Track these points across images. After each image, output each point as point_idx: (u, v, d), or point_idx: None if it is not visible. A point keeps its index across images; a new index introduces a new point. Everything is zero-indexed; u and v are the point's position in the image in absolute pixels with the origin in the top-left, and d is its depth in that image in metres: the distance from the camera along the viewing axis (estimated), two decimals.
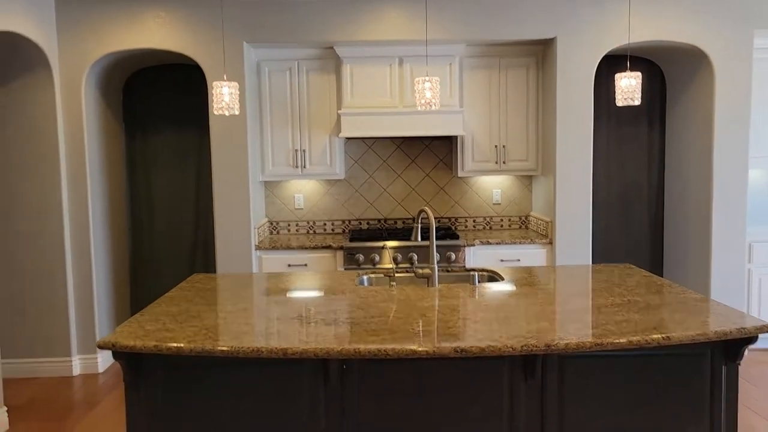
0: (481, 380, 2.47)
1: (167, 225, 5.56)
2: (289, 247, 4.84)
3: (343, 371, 2.47)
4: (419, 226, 3.26)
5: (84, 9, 4.59)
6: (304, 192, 5.42)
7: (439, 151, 5.42)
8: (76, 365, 4.77)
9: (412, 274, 3.44)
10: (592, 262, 5.20)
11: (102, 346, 2.33)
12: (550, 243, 4.86)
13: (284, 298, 2.99)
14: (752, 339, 2.39)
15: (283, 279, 3.44)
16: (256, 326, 2.50)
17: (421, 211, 3.21)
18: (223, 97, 2.80)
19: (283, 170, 5.07)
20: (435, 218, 5.45)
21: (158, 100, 5.47)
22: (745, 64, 4.72)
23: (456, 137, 5.12)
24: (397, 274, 3.46)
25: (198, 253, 5.58)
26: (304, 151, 5.05)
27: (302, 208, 5.43)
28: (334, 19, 4.69)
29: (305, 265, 4.81)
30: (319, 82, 5.01)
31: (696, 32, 4.70)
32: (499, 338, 2.26)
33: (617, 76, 3.10)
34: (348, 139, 5.29)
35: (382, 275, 3.49)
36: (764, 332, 2.34)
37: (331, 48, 4.92)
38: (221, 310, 2.76)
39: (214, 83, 2.82)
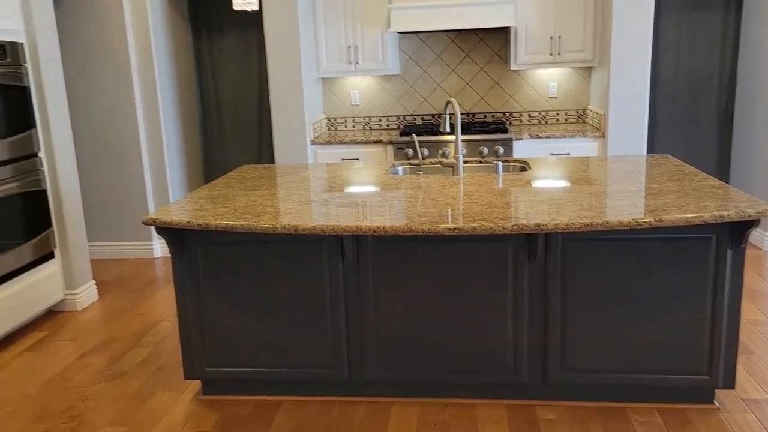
0: (487, 259, 2.64)
1: (234, 119, 5.89)
2: (342, 142, 5.05)
3: (357, 249, 2.71)
4: (447, 116, 3.34)
5: None
6: (359, 88, 5.55)
7: (493, 44, 5.34)
8: (156, 248, 5.32)
9: (439, 165, 3.57)
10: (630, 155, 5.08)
11: (146, 222, 2.67)
12: (603, 137, 4.80)
13: (314, 184, 3.22)
14: (754, 222, 2.40)
15: (320, 168, 3.67)
16: (279, 207, 2.75)
17: (448, 102, 3.29)
18: None
19: (337, 66, 5.20)
20: (489, 113, 5.46)
21: (221, 1, 5.65)
22: None
23: (509, 29, 5.02)
24: (430, 165, 3.60)
25: (263, 145, 5.91)
26: (356, 47, 5.13)
27: (358, 104, 5.58)
28: None
29: (357, 159, 5.03)
30: None
31: None
32: (495, 219, 2.40)
33: None
34: (401, 34, 5.31)
35: (414, 166, 3.64)
36: (765, 216, 2.34)
37: None
38: (253, 195, 3.03)
39: None
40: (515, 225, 2.33)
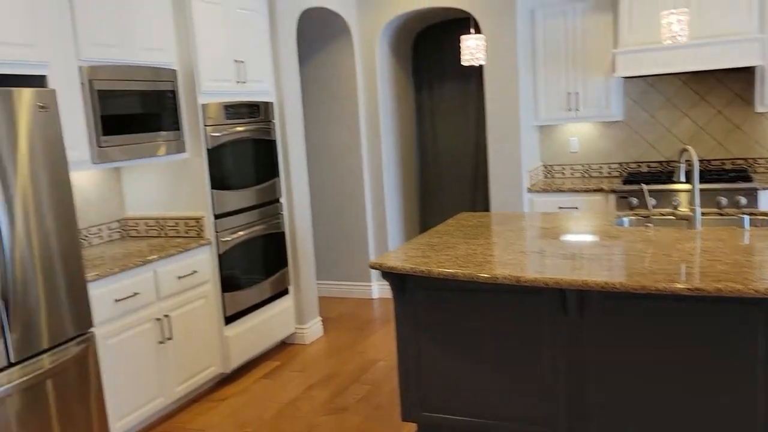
0: (731, 327, 2.37)
1: (450, 167, 6.06)
2: (560, 190, 4.93)
3: (581, 304, 2.59)
4: (682, 165, 3.11)
5: None
6: (578, 135, 5.40)
7: (734, 85, 4.88)
8: (375, 289, 5.60)
9: (672, 218, 3.30)
10: None
11: (372, 266, 2.83)
12: None
13: (533, 234, 3.17)
14: None
15: (538, 218, 3.60)
16: (499, 257, 2.75)
17: (684, 149, 3.06)
18: (469, 49, 3.03)
19: (556, 114, 5.12)
20: (728, 160, 4.96)
21: (441, 55, 5.92)
22: None
23: (754, 68, 4.55)
24: (658, 217, 3.36)
25: (478, 192, 5.99)
26: (577, 93, 5.02)
27: (577, 152, 5.42)
28: None
29: (576, 207, 4.86)
30: (594, 23, 4.89)
31: None
32: (744, 280, 2.15)
33: None
34: (626, 78, 5.08)
35: (642, 217, 3.42)
36: None
37: None
38: (473, 243, 3.07)
39: (462, 37, 3.07)
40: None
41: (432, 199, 6.19)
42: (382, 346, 4.41)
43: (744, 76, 4.84)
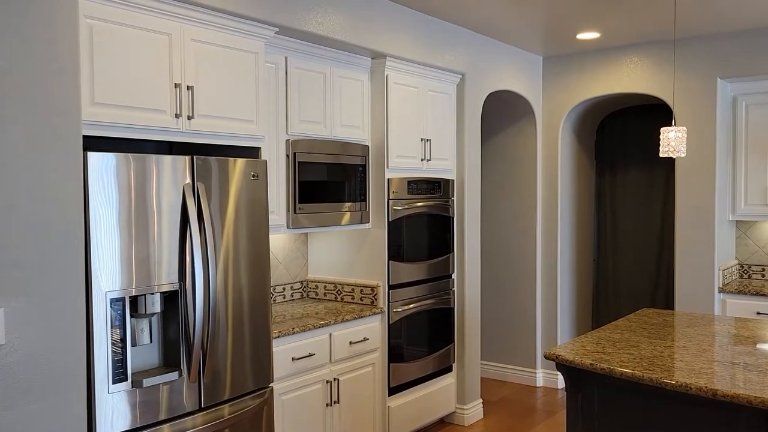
0: None
1: (630, 256, 5.74)
2: (759, 293, 4.45)
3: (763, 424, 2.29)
4: None
5: (564, 64, 5.20)
6: None
7: None
8: (539, 377, 5.37)
9: None
10: None
11: (548, 357, 2.73)
12: None
13: (728, 341, 2.88)
14: None
15: (733, 323, 3.27)
16: (690, 363, 2.52)
17: None
18: (669, 141, 2.90)
19: (757, 210, 4.69)
20: None
21: (626, 140, 5.73)
22: None
23: None
24: None
25: (660, 287, 5.59)
26: None
27: None
28: None
29: None
30: None
31: None
32: None
33: None
34: None
35: None
36: None
37: None
38: (659, 344, 2.85)
39: (662, 129, 2.94)
40: None
41: (607, 290, 5.88)
42: None
43: None
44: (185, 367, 2.65)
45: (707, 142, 4.59)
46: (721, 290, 4.61)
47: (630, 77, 4.91)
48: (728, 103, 4.77)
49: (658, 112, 5.50)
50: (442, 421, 4.51)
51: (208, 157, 2.74)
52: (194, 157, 2.69)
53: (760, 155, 4.67)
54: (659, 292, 5.60)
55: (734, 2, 3.84)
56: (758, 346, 2.80)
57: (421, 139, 4.15)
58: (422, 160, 4.16)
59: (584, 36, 4.61)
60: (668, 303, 5.49)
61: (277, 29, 3.16)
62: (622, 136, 5.78)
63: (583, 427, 2.78)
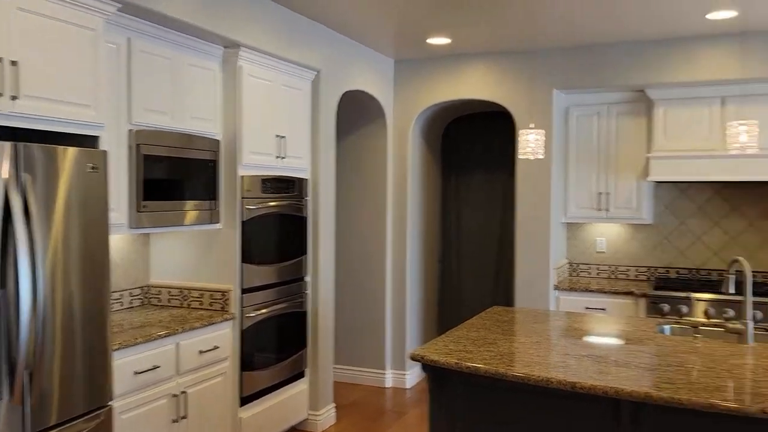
0: None
1: (472, 259, 5.98)
2: (587, 290, 4.82)
3: (635, 417, 2.44)
4: (733, 276, 3.03)
5: (415, 68, 5.29)
6: (606, 235, 5.35)
7: (767, 198, 4.87)
8: (389, 378, 5.40)
9: (721, 329, 3.19)
10: None
11: (413, 358, 2.70)
12: None
13: (578, 336, 3.05)
14: None
15: (578, 318, 3.49)
16: (548, 358, 2.62)
17: (735, 260, 2.98)
18: (529, 143, 3.02)
19: (585, 213, 5.09)
20: (761, 272, 4.88)
21: (471, 145, 5.97)
22: None
23: None
24: (703, 327, 3.25)
25: (499, 287, 5.87)
26: (608, 194, 5.00)
27: (604, 252, 5.35)
28: (646, 62, 4.62)
29: (603, 309, 4.74)
30: (628, 126, 4.95)
31: None
32: None
33: None
34: (658, 183, 5.09)
35: (686, 326, 3.30)
36: None
37: (642, 91, 4.83)
38: (515, 341, 2.94)
39: (521, 131, 3.07)
40: None
41: (451, 289, 6.08)
42: None
43: None
44: (7, 388, 2.26)
45: (545, 149, 4.89)
46: (556, 288, 4.93)
47: (476, 84, 5.11)
48: (562, 112, 5.13)
49: (500, 120, 5.79)
50: (294, 429, 4.36)
51: (33, 144, 2.36)
52: (16, 143, 2.31)
53: (588, 164, 5.08)
54: (499, 292, 5.89)
55: (576, 20, 4.13)
56: (590, 339, 2.99)
57: (276, 136, 3.98)
58: (277, 157, 3.99)
59: (435, 41, 4.71)
60: (508, 301, 5.78)
61: (120, 5, 2.84)
62: (466, 142, 6.01)
63: (446, 426, 2.79)
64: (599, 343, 2.92)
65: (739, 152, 2.81)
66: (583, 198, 5.10)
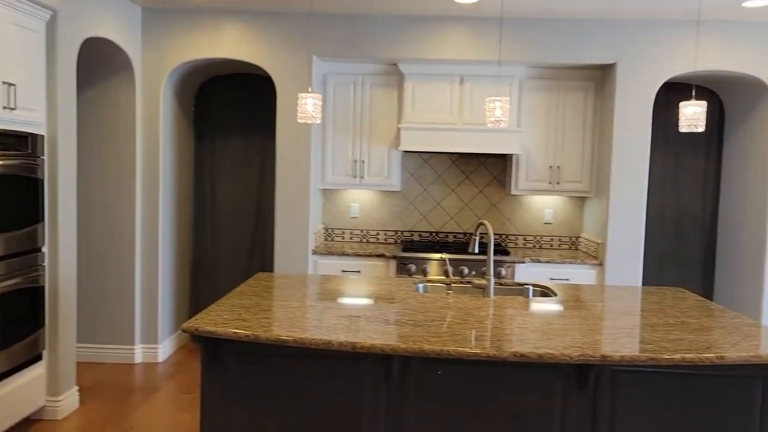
0: (536, 388, 2.59)
1: (228, 225, 5.81)
2: (343, 254, 5.02)
3: (403, 371, 2.62)
4: (477, 238, 3.39)
5: (167, 19, 4.89)
6: (360, 201, 5.61)
7: (493, 169, 5.55)
8: (138, 353, 5.03)
9: (467, 285, 3.57)
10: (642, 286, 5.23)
11: (186, 330, 2.53)
12: (600, 264, 4.93)
13: (348, 298, 3.16)
14: None
15: (345, 281, 3.61)
16: (325, 321, 2.67)
17: (480, 223, 3.34)
18: (307, 107, 3.00)
19: (342, 179, 5.27)
20: (480, 234, 5.56)
21: (227, 107, 5.74)
22: None
23: (511, 156, 5.24)
24: (454, 285, 3.60)
25: (256, 253, 5.81)
26: (363, 161, 5.24)
27: (357, 217, 5.62)
28: (400, 37, 4.89)
29: (358, 271, 4.99)
30: (382, 97, 5.21)
31: (757, 64, 4.73)
32: (555, 347, 2.37)
33: (682, 104, 3.19)
34: (405, 152, 5.46)
35: (438, 284, 3.63)
36: None
37: (395, 64, 5.11)
38: (290, 306, 2.94)
39: (300, 95, 3.04)
40: (581, 355, 2.31)
41: (206, 257, 5.84)
42: (157, 421, 3.93)
43: (501, 162, 5.53)
44: None
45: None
46: (314, 252, 5.04)
47: (235, 43, 4.91)
48: (321, 79, 5.20)
49: (260, 82, 5.64)
50: (29, 420, 3.83)
51: None
52: None
53: (344, 131, 5.24)
54: (255, 255, 5.82)
55: None
56: (359, 300, 3.14)
57: (3, 83, 3.36)
58: (5, 108, 3.38)
59: None
60: (264, 266, 5.75)
61: None
62: (224, 104, 5.76)
63: (221, 401, 2.69)
64: (368, 303, 3.06)
65: (494, 125, 3.14)
66: (341, 165, 5.27)
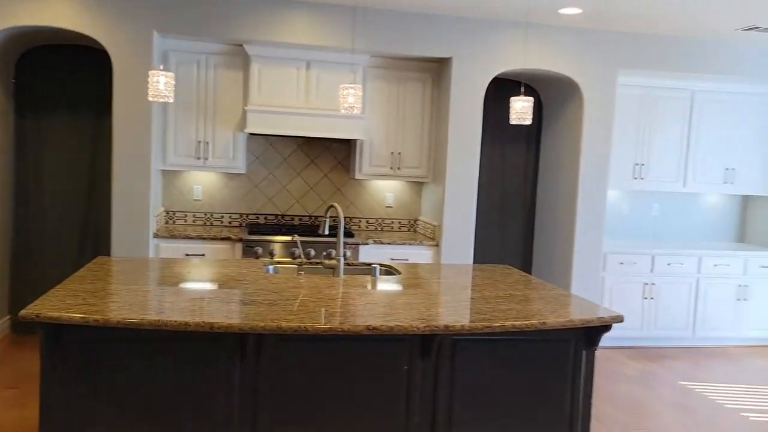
0: (384, 360, 2.78)
1: (58, 207, 5.38)
2: (187, 237, 4.91)
3: (259, 349, 2.67)
4: (328, 220, 3.52)
5: None
6: (203, 184, 5.49)
7: (338, 154, 5.70)
8: None
9: (316, 266, 3.69)
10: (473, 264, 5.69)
11: (25, 317, 2.38)
12: (437, 245, 5.29)
13: (199, 281, 3.13)
14: (608, 327, 2.88)
15: (193, 264, 3.56)
16: (179, 304, 2.64)
17: (331, 206, 3.47)
18: (159, 85, 2.91)
19: (184, 161, 5.13)
20: (330, 217, 5.72)
21: (54, 81, 5.30)
22: (609, 97, 5.42)
23: (355, 141, 5.42)
24: (306, 266, 3.70)
25: (87, 241, 5.46)
26: (207, 143, 5.13)
27: (200, 200, 5.50)
28: (246, 18, 4.84)
29: (203, 255, 4.91)
30: (227, 78, 5.13)
31: (570, 66, 5.33)
32: (404, 320, 2.57)
33: (513, 99, 3.55)
34: (250, 135, 5.43)
35: (288, 265, 3.71)
36: (618, 322, 2.83)
37: (241, 45, 5.06)
38: (138, 289, 2.86)
39: (151, 72, 2.93)
40: (427, 326, 2.53)
41: (30, 241, 5.37)
42: None
43: (345, 147, 5.70)
44: None
45: (144, 92, 4.70)
46: (156, 236, 4.87)
47: (65, 10, 4.56)
48: (161, 56, 4.99)
49: (95, 55, 5.25)
50: None
51: None
52: None
53: (187, 111, 5.09)
54: (89, 240, 5.47)
55: None
56: (212, 281, 3.14)
57: None
58: None
59: None
60: (98, 251, 5.42)
61: None
62: (49, 77, 5.30)
63: (64, 390, 2.56)
64: (221, 285, 3.06)
65: (348, 111, 3.26)
66: (183, 146, 5.12)
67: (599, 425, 3.98)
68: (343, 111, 3.25)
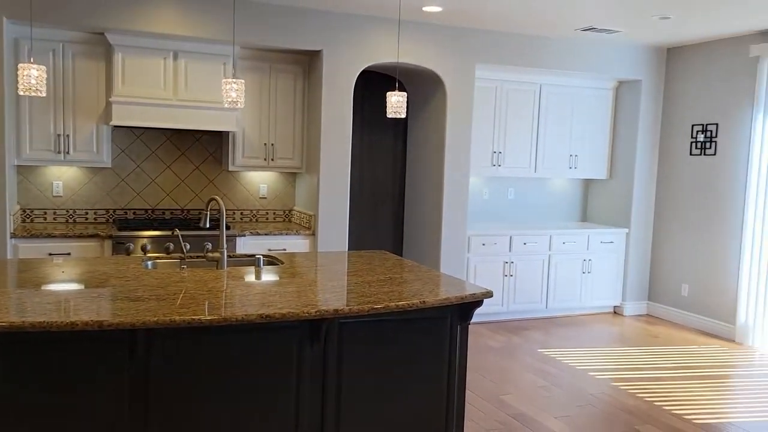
0: (275, 347, 2.87)
1: None
2: (49, 236, 4.66)
3: (148, 345, 2.67)
4: (208, 213, 3.52)
5: None
6: (63, 179, 5.21)
7: (209, 146, 5.63)
8: None
9: (198, 259, 3.68)
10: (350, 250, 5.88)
11: None
12: (313, 234, 5.42)
13: (79, 280, 3.04)
14: (480, 303, 3.17)
15: (67, 263, 3.42)
16: (60, 305, 2.57)
17: (212, 199, 3.48)
18: (30, 79, 2.76)
19: (42, 155, 4.84)
20: (211, 210, 5.64)
21: None
22: (469, 90, 5.81)
23: (227, 133, 5.39)
24: (189, 260, 3.67)
25: None
26: (67, 136, 4.88)
27: (61, 196, 5.21)
28: (106, 6, 4.65)
29: (69, 254, 4.68)
30: (87, 68, 4.90)
31: (434, 60, 5.65)
32: (295, 307, 2.69)
33: (389, 93, 3.74)
34: (116, 127, 5.22)
35: (168, 260, 3.67)
36: (489, 297, 3.13)
37: (102, 34, 4.85)
38: (12, 292, 2.74)
39: (21, 65, 2.76)
40: (318, 311, 2.66)
41: None
42: None
43: (216, 139, 5.65)
44: None
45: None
46: (13, 236, 4.57)
47: None
48: (11, 44, 4.66)
49: None
50: None
51: None
52: None
53: (44, 103, 4.80)
54: None
55: None
56: (108, 282, 3.07)
57: None
58: None
59: None
60: None
61: None
62: None
63: None
64: (102, 283, 2.99)
65: (232, 106, 3.27)
66: (40, 140, 4.83)
67: (470, 393, 4.33)
68: (226, 105, 3.27)
